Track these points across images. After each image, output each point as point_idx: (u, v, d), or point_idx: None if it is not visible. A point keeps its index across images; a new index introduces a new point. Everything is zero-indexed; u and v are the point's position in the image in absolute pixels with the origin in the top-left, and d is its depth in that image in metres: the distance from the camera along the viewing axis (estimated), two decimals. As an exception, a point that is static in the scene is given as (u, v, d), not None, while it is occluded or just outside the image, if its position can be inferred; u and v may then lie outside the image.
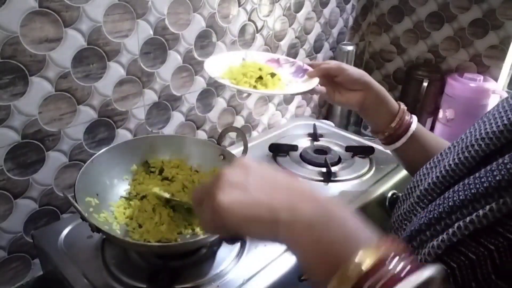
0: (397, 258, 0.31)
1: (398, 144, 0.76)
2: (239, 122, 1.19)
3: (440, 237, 0.44)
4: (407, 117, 0.77)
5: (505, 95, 1.30)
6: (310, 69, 0.80)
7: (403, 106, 0.78)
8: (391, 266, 0.30)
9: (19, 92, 0.71)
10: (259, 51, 0.97)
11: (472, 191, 0.44)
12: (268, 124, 1.31)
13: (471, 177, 0.46)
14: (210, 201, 0.38)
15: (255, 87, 0.74)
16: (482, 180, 0.44)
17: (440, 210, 0.47)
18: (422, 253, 0.45)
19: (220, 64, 0.79)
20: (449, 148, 0.57)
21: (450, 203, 0.46)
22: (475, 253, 0.39)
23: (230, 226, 0.37)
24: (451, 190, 0.48)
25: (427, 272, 0.30)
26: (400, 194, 0.69)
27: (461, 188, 0.46)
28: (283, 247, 0.73)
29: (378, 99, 0.77)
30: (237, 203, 0.37)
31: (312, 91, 0.76)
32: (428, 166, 0.60)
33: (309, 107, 1.46)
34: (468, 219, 0.41)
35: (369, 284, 0.30)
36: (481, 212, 0.40)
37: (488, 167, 0.44)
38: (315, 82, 0.76)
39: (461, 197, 0.45)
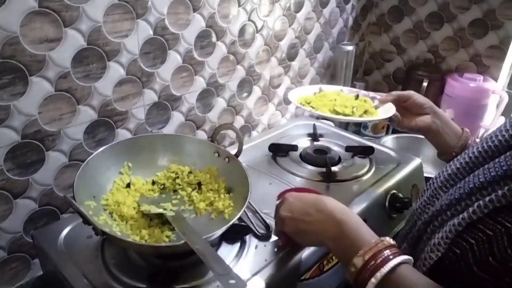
0: (386, 250, 0.50)
1: None
2: (239, 122, 1.19)
3: (461, 216, 0.48)
4: (472, 138, 0.83)
5: (505, 95, 1.30)
6: (377, 96, 0.96)
7: (466, 129, 0.85)
8: (382, 256, 0.50)
9: (19, 92, 0.71)
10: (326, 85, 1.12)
11: (492, 173, 0.48)
12: (268, 124, 1.31)
13: (491, 162, 0.50)
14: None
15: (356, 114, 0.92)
16: (502, 164, 0.48)
17: (460, 192, 0.51)
18: (443, 231, 0.50)
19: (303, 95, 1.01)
20: (476, 142, 0.61)
21: (470, 185, 0.50)
22: (492, 230, 0.44)
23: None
24: (471, 175, 0.52)
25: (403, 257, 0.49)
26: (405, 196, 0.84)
27: (481, 172, 0.50)
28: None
29: (444, 122, 0.85)
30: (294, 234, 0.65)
31: (389, 118, 0.88)
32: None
33: (309, 107, 1.46)
34: (487, 199, 0.45)
35: (368, 268, 0.50)
36: (500, 192, 0.44)
37: (508, 153, 0.48)
38: (393, 108, 0.89)
39: (481, 180, 0.49)
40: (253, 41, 1.11)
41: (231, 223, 0.63)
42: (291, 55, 1.27)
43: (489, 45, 1.36)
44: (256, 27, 1.10)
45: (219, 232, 0.63)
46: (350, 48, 1.40)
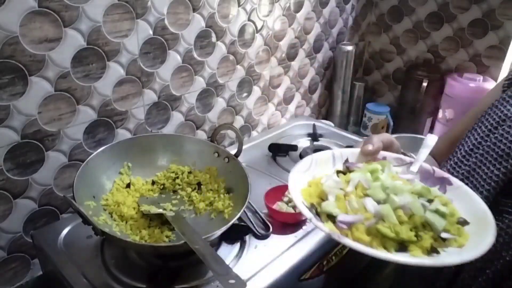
0: None
1: None
2: (238, 122, 1.19)
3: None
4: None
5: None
6: (451, 179, 0.55)
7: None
8: None
9: (19, 92, 0.71)
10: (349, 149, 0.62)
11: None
12: (268, 124, 1.31)
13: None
14: None
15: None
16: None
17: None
18: None
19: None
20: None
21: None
22: None
23: None
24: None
25: None
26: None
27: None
28: (282, 248, 0.73)
29: None
30: None
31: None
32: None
33: (308, 107, 1.46)
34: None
35: None
36: None
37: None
38: (490, 239, 0.44)
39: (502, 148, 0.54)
40: (253, 41, 1.11)
41: (230, 223, 0.64)
42: (291, 55, 1.27)
43: (488, 45, 1.36)
44: (256, 27, 1.10)
45: (219, 232, 0.63)
46: (349, 48, 1.40)
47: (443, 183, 0.54)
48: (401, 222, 0.44)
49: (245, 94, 1.17)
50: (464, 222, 0.47)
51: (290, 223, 0.78)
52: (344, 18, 1.43)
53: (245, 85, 1.15)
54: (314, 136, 1.14)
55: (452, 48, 1.43)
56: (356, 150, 0.57)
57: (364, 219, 0.44)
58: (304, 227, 0.78)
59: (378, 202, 0.46)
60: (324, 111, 1.55)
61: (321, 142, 1.12)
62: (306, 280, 0.72)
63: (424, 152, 0.59)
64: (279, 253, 0.71)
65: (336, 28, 1.41)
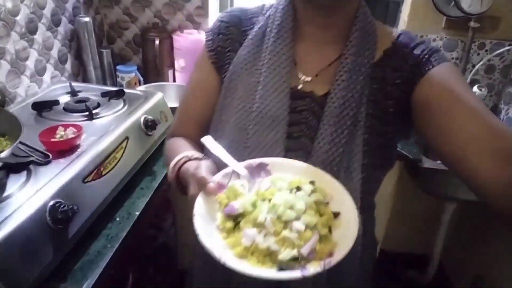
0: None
1: None
2: None
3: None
4: None
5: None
6: (265, 161, 0.58)
7: None
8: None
9: None
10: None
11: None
12: (26, 96, 1.40)
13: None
14: None
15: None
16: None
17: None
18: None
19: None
20: None
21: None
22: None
23: None
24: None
25: None
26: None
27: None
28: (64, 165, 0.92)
29: None
30: None
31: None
32: None
33: (64, 77, 1.60)
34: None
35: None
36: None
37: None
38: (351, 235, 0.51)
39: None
40: (-13, 17, 1.18)
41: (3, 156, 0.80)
42: (31, 29, 1.38)
43: (195, 6, 1.80)
44: (-13, 3, 1.17)
45: None
46: (87, 19, 1.60)
47: (264, 167, 0.56)
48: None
49: None
50: (337, 215, 0.54)
51: (66, 149, 0.99)
52: (75, -6, 1.61)
53: None
54: (73, 92, 1.32)
55: (171, 12, 1.82)
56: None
57: (314, 241, 0.49)
58: (79, 149, 1.00)
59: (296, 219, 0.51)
60: (80, 79, 1.72)
61: (80, 95, 1.32)
62: (89, 182, 0.95)
63: (223, 153, 0.60)
64: (64, 167, 0.92)
65: (70, 3, 1.58)
